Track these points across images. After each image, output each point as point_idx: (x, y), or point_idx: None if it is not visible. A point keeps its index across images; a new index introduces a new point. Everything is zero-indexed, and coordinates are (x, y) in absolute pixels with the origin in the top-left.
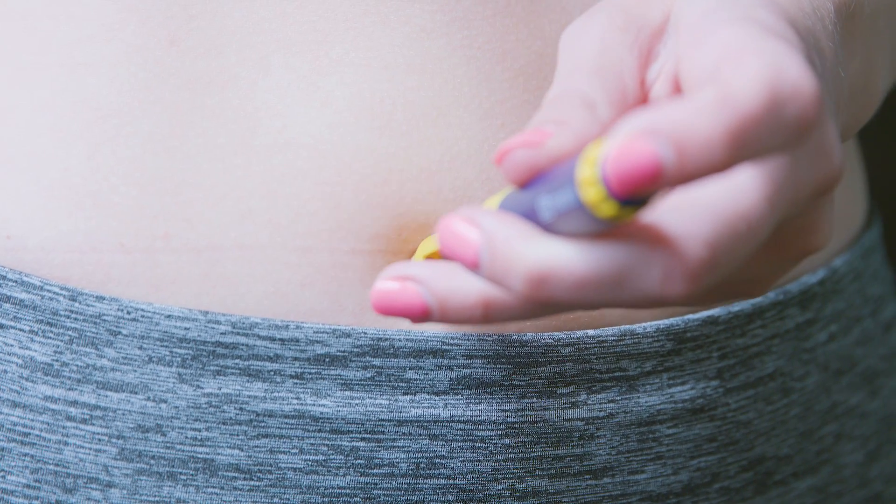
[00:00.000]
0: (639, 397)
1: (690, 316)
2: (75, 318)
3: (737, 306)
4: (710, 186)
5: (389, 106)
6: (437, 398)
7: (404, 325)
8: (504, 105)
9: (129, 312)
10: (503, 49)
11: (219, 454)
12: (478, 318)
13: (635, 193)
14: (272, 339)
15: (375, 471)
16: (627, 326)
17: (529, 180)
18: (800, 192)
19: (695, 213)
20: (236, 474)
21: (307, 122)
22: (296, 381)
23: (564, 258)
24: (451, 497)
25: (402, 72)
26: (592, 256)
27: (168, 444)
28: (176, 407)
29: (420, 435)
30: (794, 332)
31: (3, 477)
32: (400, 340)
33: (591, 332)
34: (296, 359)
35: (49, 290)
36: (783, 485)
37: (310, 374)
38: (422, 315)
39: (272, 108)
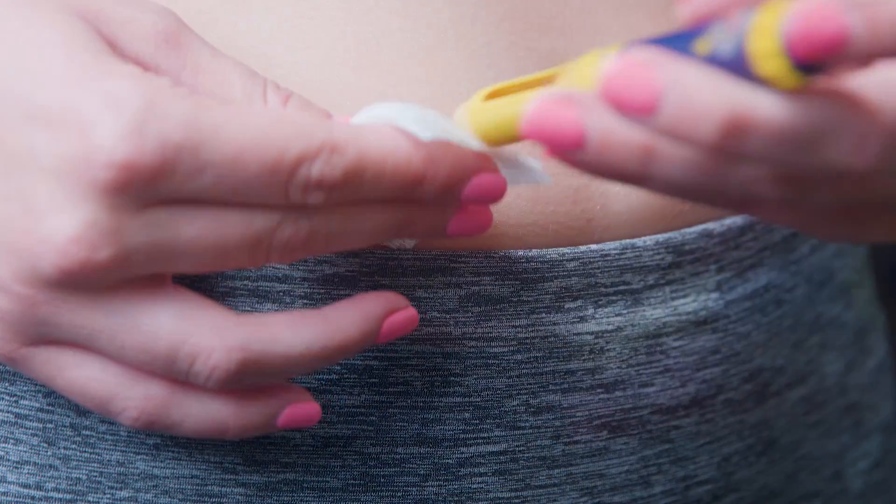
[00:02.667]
0: (644, 310)
1: (687, 229)
2: None
3: (728, 219)
4: None
5: (374, 45)
6: (447, 316)
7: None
8: (490, 47)
9: None
10: None
11: None
12: (632, 167)
13: (815, 58)
14: None
15: (391, 389)
16: (628, 241)
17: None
18: None
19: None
20: None
21: (293, 63)
22: (305, 301)
23: (765, 105)
24: (467, 415)
25: (385, 13)
26: (794, 108)
27: None
28: None
29: (433, 354)
30: (781, 244)
31: (16, 402)
32: (408, 259)
33: (594, 246)
34: (304, 279)
35: None
36: (778, 395)
37: (319, 294)
38: (574, 143)
39: (256, 49)
